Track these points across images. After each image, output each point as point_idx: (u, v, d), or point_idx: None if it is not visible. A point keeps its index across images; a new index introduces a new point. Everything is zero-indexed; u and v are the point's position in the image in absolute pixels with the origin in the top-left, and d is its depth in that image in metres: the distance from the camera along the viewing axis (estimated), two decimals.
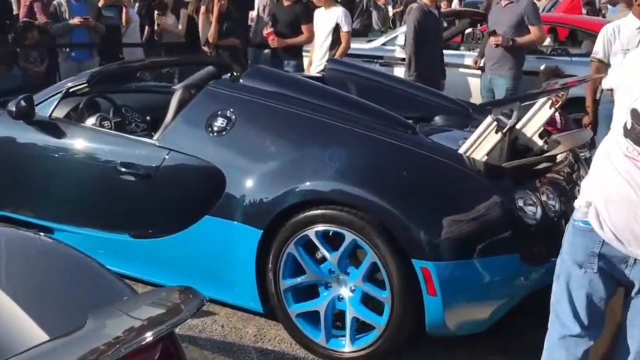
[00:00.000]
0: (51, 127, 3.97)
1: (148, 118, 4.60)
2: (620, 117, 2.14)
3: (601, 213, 2.18)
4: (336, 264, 3.15)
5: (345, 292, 3.19)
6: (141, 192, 3.61)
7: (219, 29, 6.86)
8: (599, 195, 2.20)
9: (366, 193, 3.05)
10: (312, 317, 3.24)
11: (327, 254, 3.14)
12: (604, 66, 5.24)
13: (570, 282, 2.29)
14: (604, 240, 2.17)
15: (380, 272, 3.04)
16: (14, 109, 3.90)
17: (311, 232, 3.13)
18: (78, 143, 3.90)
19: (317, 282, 3.23)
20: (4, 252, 2.05)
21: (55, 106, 4.07)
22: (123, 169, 3.62)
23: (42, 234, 2.24)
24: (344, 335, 3.18)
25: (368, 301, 3.15)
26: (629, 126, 2.10)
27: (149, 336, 1.43)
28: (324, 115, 3.41)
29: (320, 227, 3.11)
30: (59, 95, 4.12)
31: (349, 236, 3.06)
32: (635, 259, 2.16)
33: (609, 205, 2.16)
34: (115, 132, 3.97)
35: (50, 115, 4.03)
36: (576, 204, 2.30)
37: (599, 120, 5.29)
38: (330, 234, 3.12)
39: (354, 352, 3.14)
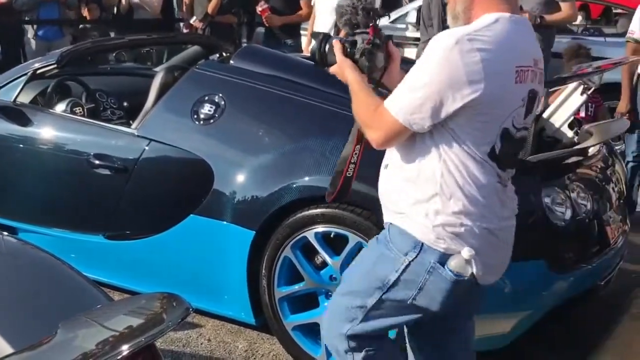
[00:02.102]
0: (15, 114, 3.96)
1: (125, 104, 4.60)
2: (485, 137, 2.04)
3: None
4: (338, 270, 3.15)
5: None
6: (117, 187, 3.61)
7: (220, 2, 6.94)
8: None
9: (373, 190, 3.04)
10: (311, 330, 3.24)
11: (328, 259, 3.15)
12: None
13: None
14: None
15: None
16: None
17: (310, 234, 3.13)
18: (46, 132, 3.90)
19: (316, 290, 3.23)
20: None
21: (21, 90, 4.07)
22: (97, 162, 3.62)
23: (5, 233, 2.24)
24: None
25: None
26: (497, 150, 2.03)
27: (125, 349, 1.43)
28: (325, 102, 3.41)
29: (321, 228, 3.11)
30: (25, 77, 4.12)
31: (353, 239, 3.06)
32: None
33: None
34: (89, 120, 3.97)
35: (14, 100, 4.03)
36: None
37: (638, 109, 5.30)
38: (331, 235, 3.12)
39: None
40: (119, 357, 1.43)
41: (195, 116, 3.48)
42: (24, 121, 3.93)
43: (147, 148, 3.55)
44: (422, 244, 2.10)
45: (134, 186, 3.58)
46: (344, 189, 2.38)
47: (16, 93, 4.05)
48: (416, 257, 2.11)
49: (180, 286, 3.40)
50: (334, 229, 3.09)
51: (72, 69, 4.47)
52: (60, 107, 4.12)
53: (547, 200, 3.05)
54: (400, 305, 2.17)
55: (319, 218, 3.11)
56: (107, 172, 3.61)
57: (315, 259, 3.20)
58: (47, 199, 3.92)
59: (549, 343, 3.50)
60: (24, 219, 3.95)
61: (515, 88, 1.99)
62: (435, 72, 1.97)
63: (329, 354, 3.19)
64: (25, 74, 4.14)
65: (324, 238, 3.13)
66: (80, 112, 4.16)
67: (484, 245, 2.09)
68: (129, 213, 3.66)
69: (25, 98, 4.14)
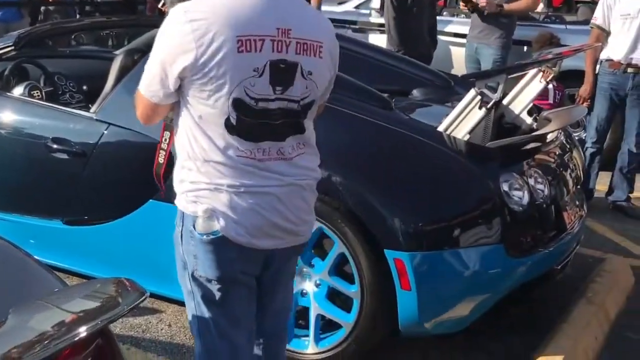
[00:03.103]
0: None
1: (85, 87, 4.54)
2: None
3: None
4: None
5: (309, 286, 3.22)
6: (76, 172, 3.57)
7: None
8: None
9: (334, 175, 3.06)
10: None
11: None
12: (604, 34, 5.33)
13: None
14: None
15: (348, 264, 3.07)
16: None
17: None
18: (3, 115, 3.84)
19: None
20: None
21: None
22: (55, 146, 3.58)
23: None
24: (307, 335, 3.20)
25: (335, 297, 3.18)
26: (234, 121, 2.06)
27: (82, 331, 1.41)
28: None
29: None
30: None
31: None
32: None
33: None
34: (47, 104, 3.91)
35: None
36: None
37: (597, 95, 5.38)
38: None
39: (318, 353, 3.17)
40: (75, 339, 1.42)
41: None
42: None
43: (105, 132, 3.51)
44: (183, 213, 2.21)
45: (92, 171, 3.54)
46: (157, 175, 2.50)
47: None
48: (182, 226, 2.21)
49: (140, 271, 3.37)
50: None
51: (30, 51, 4.40)
52: (17, 91, 4.05)
53: (505, 185, 3.09)
54: (201, 282, 2.23)
55: None
56: (65, 156, 3.57)
57: None
58: (4, 183, 3.87)
59: (507, 326, 3.57)
60: None
61: (239, 57, 1.99)
62: (158, 45, 2.08)
63: (289, 339, 3.21)
64: None
65: None
66: (39, 95, 4.09)
67: (231, 207, 2.11)
68: (88, 198, 3.63)
69: None
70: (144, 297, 1.60)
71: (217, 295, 2.22)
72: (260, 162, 2.11)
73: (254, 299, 2.32)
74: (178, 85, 2.07)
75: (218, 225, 2.12)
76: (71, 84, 4.48)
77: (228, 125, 2.06)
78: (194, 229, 2.15)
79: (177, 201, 2.23)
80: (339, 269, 3.15)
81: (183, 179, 2.17)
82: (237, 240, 2.14)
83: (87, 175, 3.55)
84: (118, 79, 3.75)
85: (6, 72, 4.17)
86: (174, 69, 2.02)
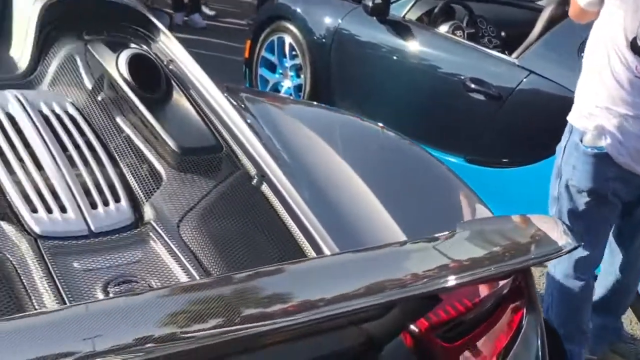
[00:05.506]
0: (403, 29, 4.13)
1: (503, 34, 4.54)
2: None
3: None
4: None
5: None
6: (488, 113, 3.62)
7: None
8: None
9: None
10: None
11: None
12: None
13: None
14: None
15: None
16: (370, 4, 4.12)
17: None
18: (427, 50, 4.02)
19: None
20: (350, 137, 2.15)
21: (411, 7, 4.23)
22: (472, 85, 3.65)
23: (381, 124, 2.32)
24: None
25: None
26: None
27: (518, 262, 1.39)
28: None
29: None
30: None
31: None
32: None
33: None
34: (470, 43, 3.99)
35: (404, 16, 4.20)
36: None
37: None
38: None
39: None
40: (507, 269, 1.40)
41: (582, 54, 3.31)
42: (409, 37, 4.07)
43: (525, 79, 3.49)
44: (572, 126, 2.40)
45: (505, 115, 3.56)
46: None
47: (406, 10, 4.21)
48: (569, 139, 2.41)
49: None
50: None
51: None
52: (443, 28, 4.19)
53: None
54: (571, 192, 2.39)
55: None
56: (481, 97, 3.62)
57: None
58: (414, 111, 4.04)
59: None
60: (389, 125, 4.12)
61: None
62: None
63: None
64: None
65: None
66: (461, 35, 4.19)
67: (619, 128, 2.27)
68: (496, 140, 3.66)
69: (413, 15, 4.28)
70: (579, 244, 1.52)
71: (582, 207, 2.41)
72: None
73: (613, 223, 2.50)
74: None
75: (604, 142, 2.30)
76: (491, 29, 4.51)
77: (633, 44, 2.22)
78: (581, 142, 2.35)
79: (570, 115, 2.45)
80: None
81: (582, 90, 2.40)
82: (617, 160, 2.31)
83: (499, 118, 3.58)
84: (546, 29, 3.67)
85: (436, 10, 4.33)
86: None
